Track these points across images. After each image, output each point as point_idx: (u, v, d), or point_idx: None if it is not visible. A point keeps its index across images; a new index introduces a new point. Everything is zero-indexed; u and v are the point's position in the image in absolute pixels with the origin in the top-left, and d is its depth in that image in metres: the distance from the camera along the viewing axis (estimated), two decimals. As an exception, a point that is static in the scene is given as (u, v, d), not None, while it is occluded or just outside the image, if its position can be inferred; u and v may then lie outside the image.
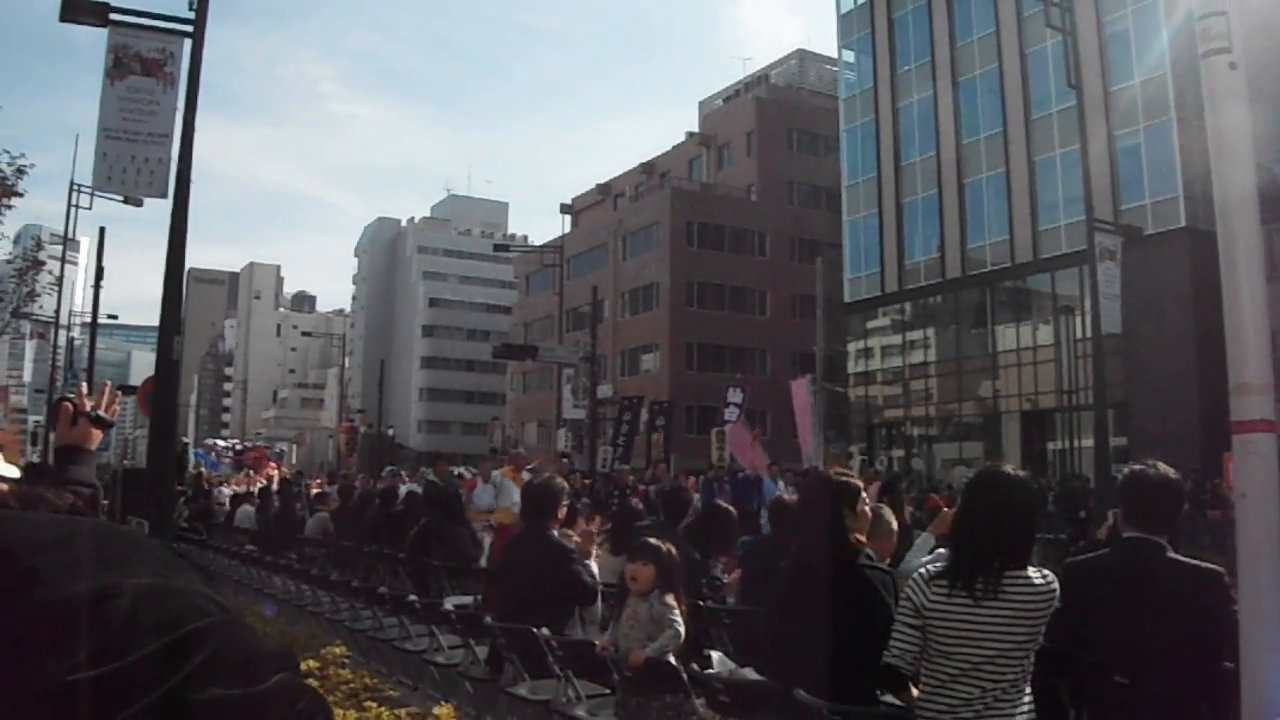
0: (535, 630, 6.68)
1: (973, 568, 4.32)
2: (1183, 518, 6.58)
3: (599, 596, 7.62)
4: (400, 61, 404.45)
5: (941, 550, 5.43)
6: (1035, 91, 46.77)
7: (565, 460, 26.06)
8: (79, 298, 62.21)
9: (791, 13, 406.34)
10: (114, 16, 13.80)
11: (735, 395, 31.72)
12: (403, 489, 19.15)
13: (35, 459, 37.36)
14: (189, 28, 13.95)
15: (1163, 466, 5.00)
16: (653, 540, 6.79)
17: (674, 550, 6.64)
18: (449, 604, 8.95)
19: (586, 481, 25.45)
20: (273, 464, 45.47)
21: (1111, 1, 43.65)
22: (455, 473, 23.05)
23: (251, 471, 37.12)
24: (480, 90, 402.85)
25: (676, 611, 6.28)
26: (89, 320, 37.62)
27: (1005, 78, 48.60)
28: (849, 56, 60.78)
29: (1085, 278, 27.76)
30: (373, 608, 10.33)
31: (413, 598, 9.34)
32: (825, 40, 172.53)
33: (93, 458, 3.67)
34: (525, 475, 15.72)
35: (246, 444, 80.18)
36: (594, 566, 7.80)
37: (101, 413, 3.64)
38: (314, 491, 23.51)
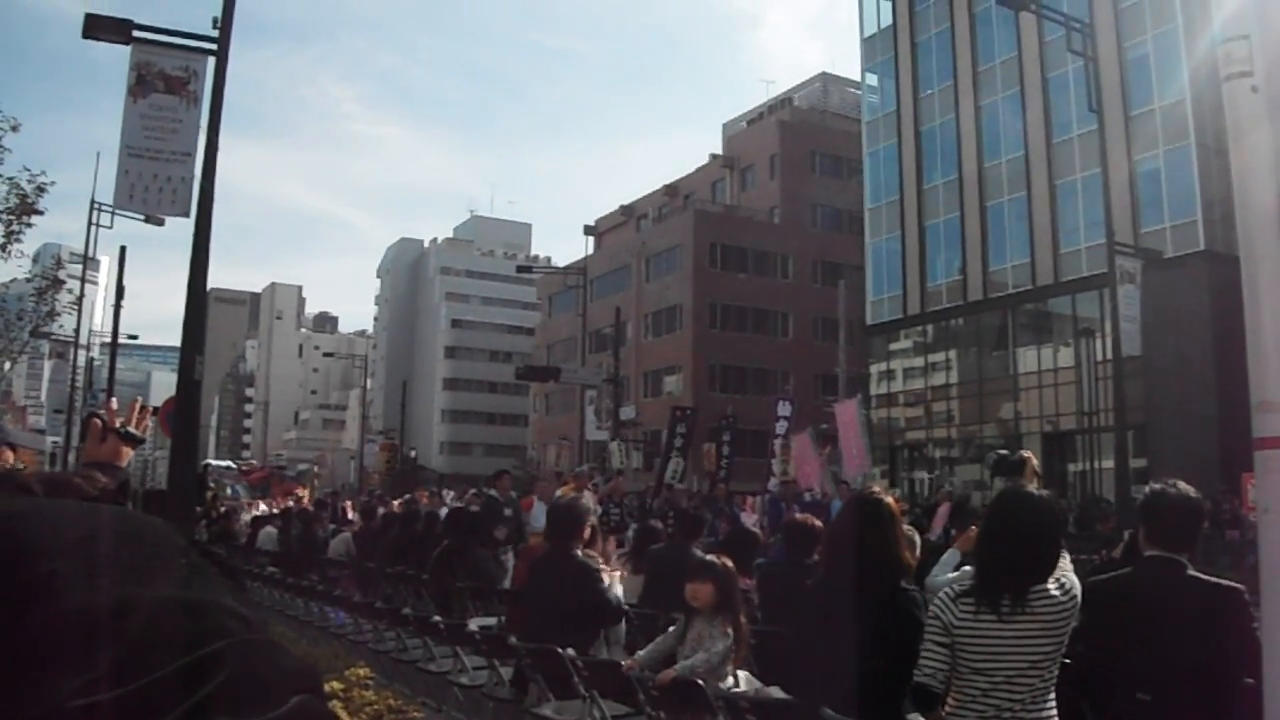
0: (561, 650, 6.70)
1: (998, 585, 4.35)
2: (1201, 537, 6.59)
3: (624, 617, 7.64)
4: (422, 83, 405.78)
5: (968, 568, 5.45)
6: (1057, 115, 46.80)
7: (620, 476, 25.47)
8: (99, 317, 62.48)
9: (813, 37, 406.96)
10: (137, 34, 13.82)
11: (784, 409, 30.78)
12: (444, 511, 19.06)
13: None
14: (213, 46, 13.94)
15: (1183, 485, 5.02)
16: (710, 557, 6.85)
17: (730, 566, 6.69)
18: (473, 625, 8.96)
19: (649, 501, 24.85)
20: (301, 487, 45.47)
21: (1132, 27, 43.75)
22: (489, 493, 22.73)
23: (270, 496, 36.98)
24: (502, 112, 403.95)
25: (725, 639, 6.30)
26: (109, 340, 37.73)
27: (1027, 102, 48.64)
28: (872, 80, 60.88)
29: (1106, 300, 27.73)
30: (396, 629, 10.33)
31: (437, 618, 9.35)
32: (848, 63, 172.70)
33: (123, 475, 3.60)
34: (587, 496, 15.31)
35: (254, 462, 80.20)
36: (618, 589, 7.80)
37: (132, 429, 3.58)
38: (351, 515, 23.46)
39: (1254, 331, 3.81)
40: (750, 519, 22.33)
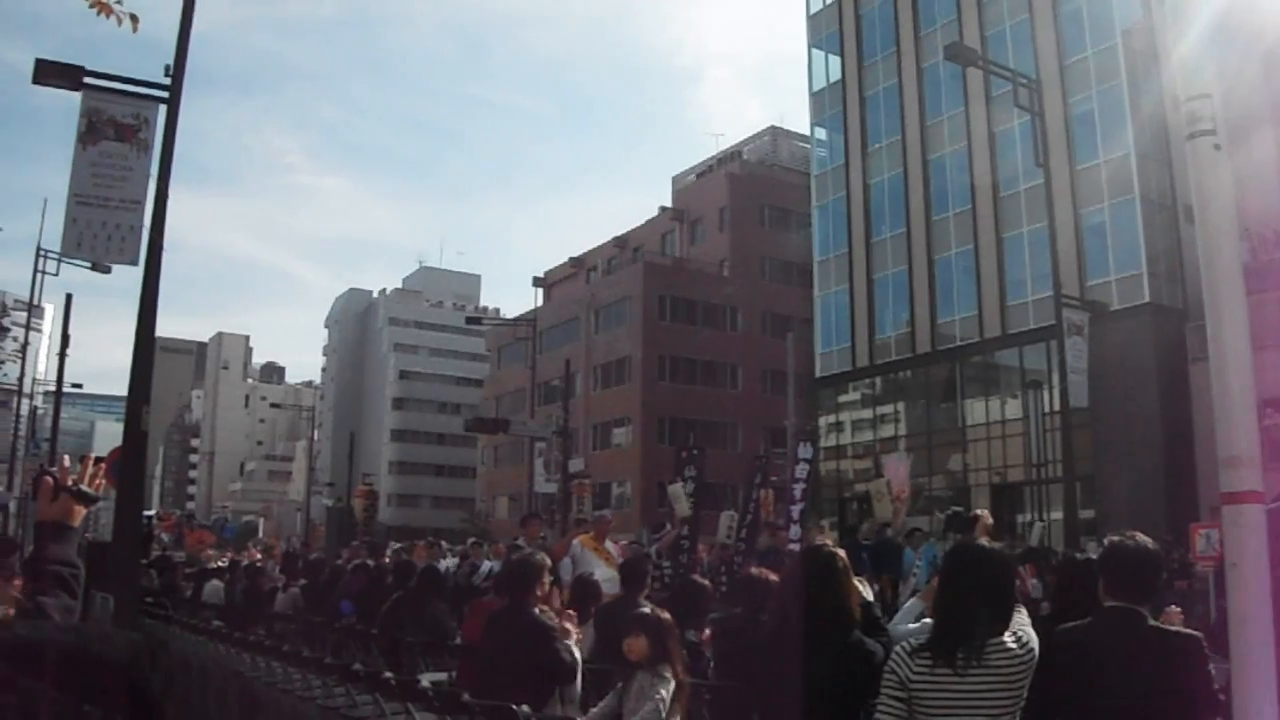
0: (515, 708, 6.61)
1: (954, 640, 4.33)
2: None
3: (578, 676, 7.55)
4: (365, 135, 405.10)
5: (927, 620, 5.43)
6: (1003, 170, 47.35)
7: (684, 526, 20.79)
8: (43, 365, 61.98)
9: (754, 93, 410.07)
10: (88, 80, 13.72)
11: (806, 450, 29.65)
12: (443, 563, 18.66)
13: (-7, 531, 36.91)
14: (164, 94, 13.88)
15: (1141, 537, 5.03)
16: (645, 610, 6.78)
17: (665, 616, 6.63)
18: (424, 680, 8.84)
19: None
20: (209, 534, 44.97)
21: (1078, 83, 44.45)
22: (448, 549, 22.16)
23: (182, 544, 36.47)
24: (447, 164, 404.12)
25: (666, 684, 6.25)
26: (53, 389, 37.34)
27: (974, 156, 49.19)
28: (821, 134, 61.46)
29: (1053, 353, 27.98)
30: (345, 684, 10.18)
31: (388, 675, 9.21)
32: (791, 118, 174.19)
33: (75, 535, 3.53)
34: (610, 546, 14.43)
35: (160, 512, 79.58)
36: (575, 650, 7.71)
37: (85, 487, 3.52)
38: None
39: (1221, 388, 3.82)
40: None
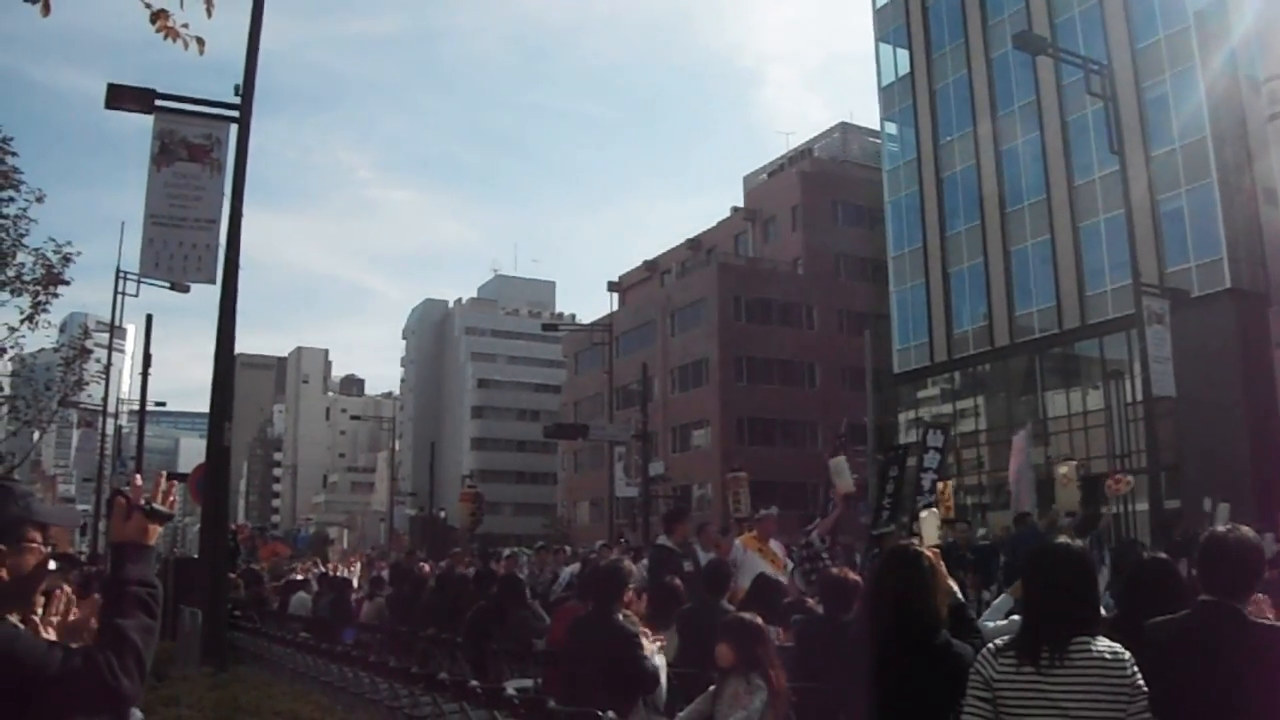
0: (600, 714, 6.62)
1: (1038, 638, 4.28)
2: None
3: (660, 682, 7.53)
4: (431, 147, 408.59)
5: (1016, 617, 5.37)
6: (1078, 158, 46.84)
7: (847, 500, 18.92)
8: (126, 385, 62.78)
9: (814, 92, 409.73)
10: (160, 103, 13.88)
11: (936, 438, 28.49)
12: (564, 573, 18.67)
13: (84, 549, 37.47)
14: (235, 113, 14.03)
15: (1245, 529, 4.88)
16: (737, 617, 6.78)
17: (755, 622, 6.62)
18: (510, 688, 8.87)
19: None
20: (284, 546, 45.20)
21: (1151, 67, 43.85)
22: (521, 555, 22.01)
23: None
24: (514, 172, 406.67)
25: (760, 692, 6.23)
26: (136, 408, 37.79)
27: (1047, 145, 48.75)
28: (891, 129, 61.19)
29: (1134, 342, 27.59)
30: (432, 694, 10.23)
31: (474, 683, 9.25)
32: (856, 115, 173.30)
33: (151, 554, 3.48)
34: (775, 546, 13.25)
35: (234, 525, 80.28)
36: (659, 658, 7.68)
37: (158, 505, 3.45)
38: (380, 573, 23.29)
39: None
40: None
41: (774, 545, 12.91)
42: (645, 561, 14.74)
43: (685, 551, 12.83)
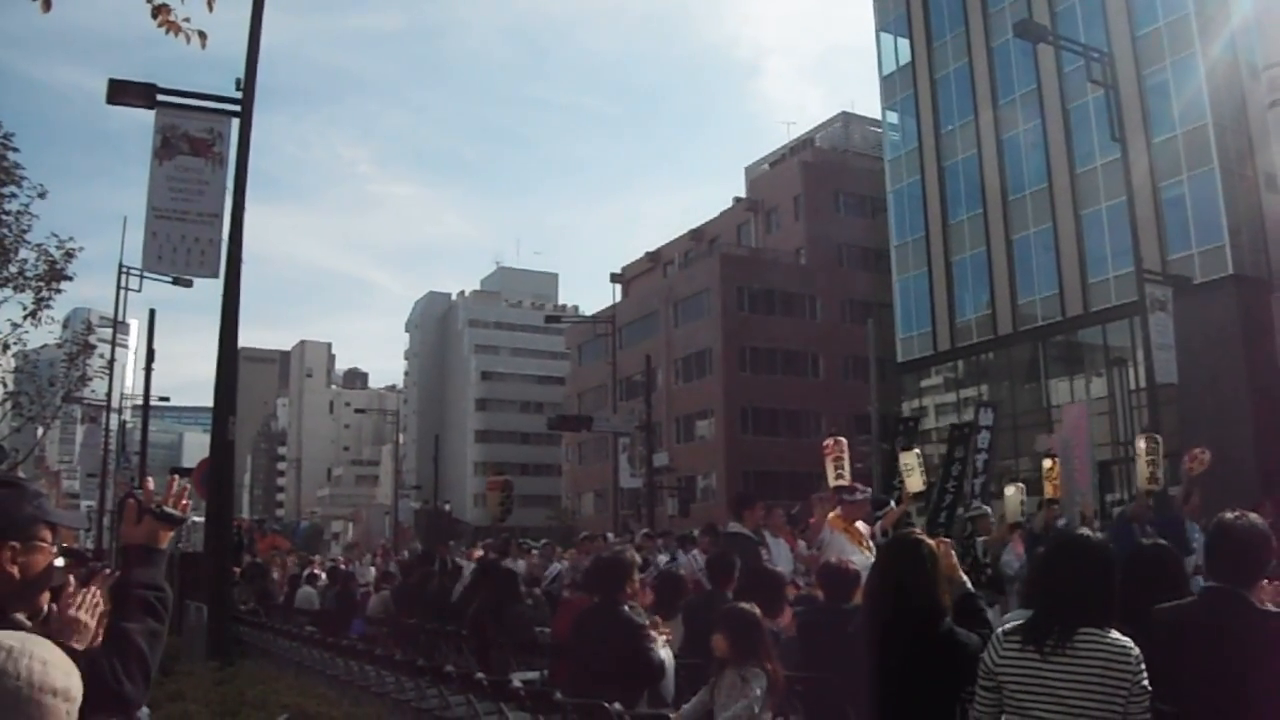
0: (607, 705, 6.62)
1: (1045, 624, 4.29)
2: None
3: (666, 673, 7.51)
4: (432, 141, 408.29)
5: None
6: (1079, 145, 46.79)
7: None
8: (130, 380, 62.78)
9: (812, 83, 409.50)
10: (161, 98, 13.87)
11: (987, 417, 27.54)
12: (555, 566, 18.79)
13: (90, 546, 37.42)
14: (236, 107, 14.02)
15: (1253, 516, 4.85)
16: (732, 607, 6.78)
17: (750, 611, 6.61)
18: (516, 680, 8.88)
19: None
20: (282, 539, 45.24)
21: (1151, 54, 43.80)
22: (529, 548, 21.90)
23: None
24: (515, 165, 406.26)
25: (759, 680, 6.24)
26: (140, 403, 37.76)
27: (1049, 133, 48.74)
28: (893, 118, 61.11)
29: (1136, 329, 27.57)
30: (439, 686, 10.24)
31: (480, 675, 9.26)
32: (861, 104, 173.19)
33: (162, 558, 3.45)
34: (862, 527, 12.19)
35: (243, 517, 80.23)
36: (665, 651, 7.66)
37: (169, 508, 3.45)
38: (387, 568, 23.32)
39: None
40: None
41: (861, 526, 12.23)
42: (695, 552, 14.89)
43: (759, 537, 12.54)
